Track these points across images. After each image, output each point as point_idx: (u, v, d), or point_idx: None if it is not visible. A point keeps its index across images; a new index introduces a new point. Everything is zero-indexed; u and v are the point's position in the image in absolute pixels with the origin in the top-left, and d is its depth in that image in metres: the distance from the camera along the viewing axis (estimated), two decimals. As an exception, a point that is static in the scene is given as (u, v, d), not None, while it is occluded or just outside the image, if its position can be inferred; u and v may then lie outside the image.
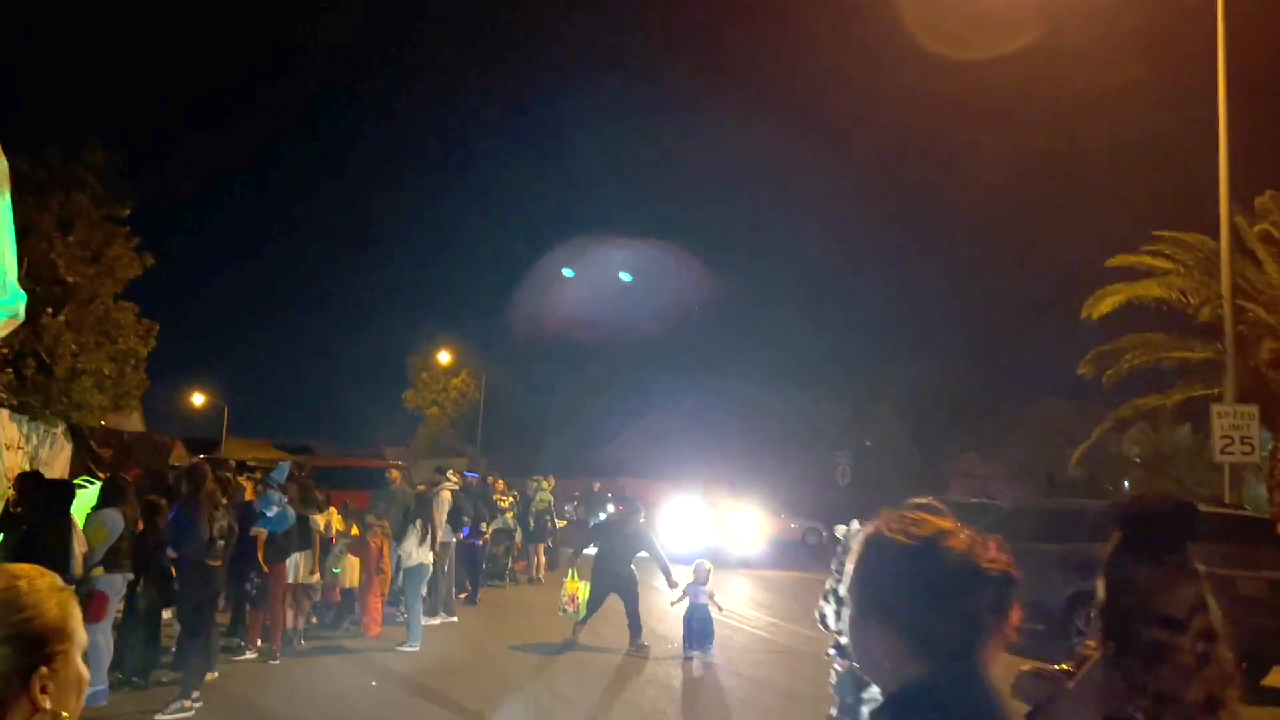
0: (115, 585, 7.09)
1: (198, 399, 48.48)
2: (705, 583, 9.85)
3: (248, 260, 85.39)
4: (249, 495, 9.91)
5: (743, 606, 14.72)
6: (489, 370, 46.94)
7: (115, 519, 7.07)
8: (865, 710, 4.16)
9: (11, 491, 10.01)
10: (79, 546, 6.74)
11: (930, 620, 1.49)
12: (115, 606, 7.23)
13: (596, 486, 24.26)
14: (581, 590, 10.27)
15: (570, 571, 10.55)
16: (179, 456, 23.98)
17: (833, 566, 4.82)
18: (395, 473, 11.78)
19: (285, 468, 11.15)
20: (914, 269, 68.33)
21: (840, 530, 6.50)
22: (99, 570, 6.92)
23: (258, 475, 13.89)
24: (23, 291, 4.01)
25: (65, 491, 6.99)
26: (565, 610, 10.36)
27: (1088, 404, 28.30)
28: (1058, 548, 10.66)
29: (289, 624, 9.34)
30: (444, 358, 47.13)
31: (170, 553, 7.17)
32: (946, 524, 1.57)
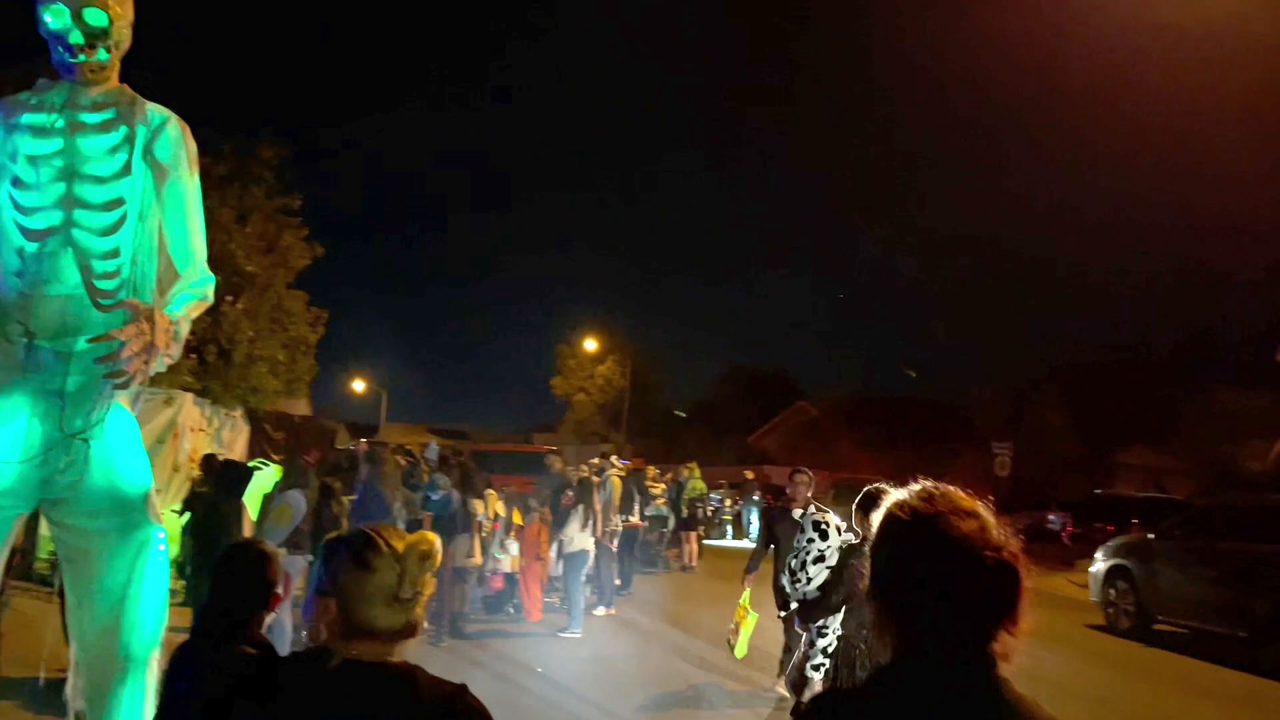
0: (298, 565, 7.27)
1: (358, 385, 50.48)
2: None
3: (405, 250, 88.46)
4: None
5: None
6: (635, 357, 47.12)
7: (299, 500, 7.25)
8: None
9: (197, 472, 10.54)
10: (248, 530, 6.93)
11: (919, 603, 1.44)
12: (296, 585, 7.44)
13: (749, 475, 23.07)
14: (748, 623, 7.74)
15: (744, 594, 7.91)
16: (342, 440, 25.02)
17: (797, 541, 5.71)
18: (555, 458, 11.82)
19: (435, 447, 11.43)
20: (1079, 249, 64.80)
21: (797, 513, 7.04)
22: (282, 551, 7.11)
23: (416, 459, 14.24)
24: (211, 275, 4.04)
25: (240, 473, 7.22)
26: (729, 641, 7.92)
27: (1272, 392, 26.20)
28: (1267, 548, 9.75)
29: (453, 607, 9.49)
30: (590, 345, 47.55)
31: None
32: (963, 504, 1.50)
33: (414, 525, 8.60)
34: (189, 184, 3.98)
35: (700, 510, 17.06)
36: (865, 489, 4.82)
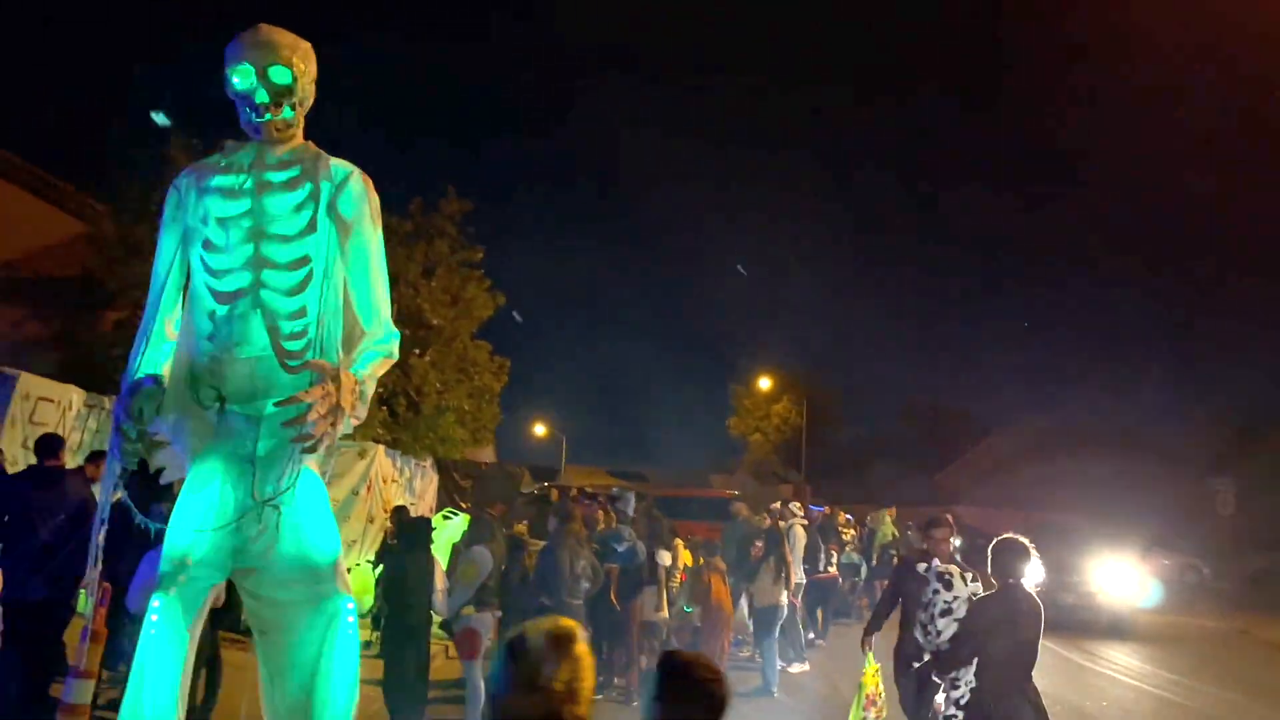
0: (486, 623, 7.14)
1: (539, 429, 51.56)
2: None
3: (576, 294, 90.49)
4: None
5: (1127, 656, 12.92)
6: (812, 396, 46.20)
7: (485, 557, 7.14)
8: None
9: (389, 524, 10.70)
10: (440, 582, 6.84)
11: None
12: (486, 644, 7.30)
13: (949, 519, 21.54)
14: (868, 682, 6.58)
15: (868, 660, 6.68)
16: (526, 484, 25.42)
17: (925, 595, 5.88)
18: (741, 505, 11.34)
19: (631, 499, 11.07)
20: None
21: (921, 566, 6.40)
22: (470, 609, 7.00)
23: (601, 501, 14.05)
24: (396, 330, 3.89)
25: (422, 531, 7.14)
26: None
27: None
28: None
29: (642, 665, 9.14)
30: (765, 384, 47.04)
31: (540, 595, 7.12)
32: None
33: (597, 583, 8.28)
34: (373, 239, 3.86)
35: (894, 557, 16.10)
36: (997, 539, 5.12)
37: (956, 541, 6.91)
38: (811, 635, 12.21)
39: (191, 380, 3.68)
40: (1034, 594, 4.97)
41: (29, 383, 9.16)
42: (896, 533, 16.18)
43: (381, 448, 12.95)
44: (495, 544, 7.40)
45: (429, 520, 7.72)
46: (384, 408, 13.62)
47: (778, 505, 13.40)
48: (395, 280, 14.90)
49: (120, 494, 3.87)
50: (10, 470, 7.17)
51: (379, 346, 3.84)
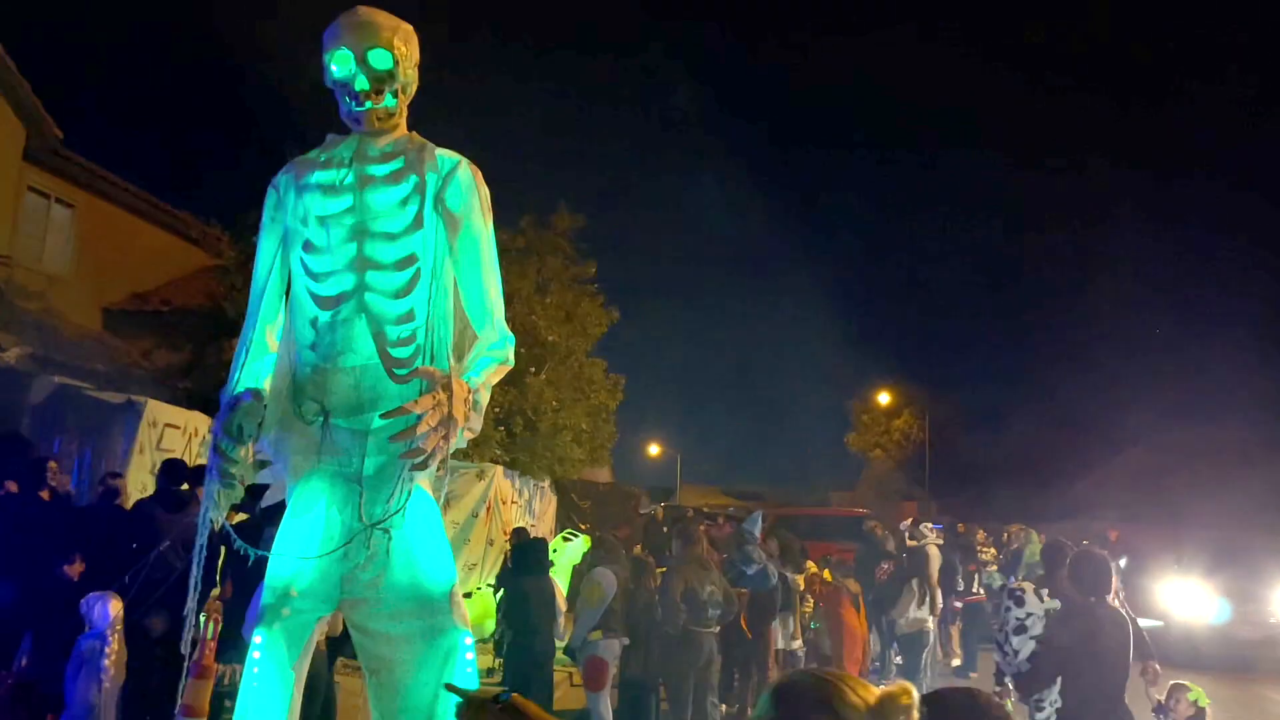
0: (614, 650, 6.74)
1: (654, 449, 51.37)
2: None
3: (689, 311, 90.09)
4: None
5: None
6: (933, 409, 44.85)
7: (609, 578, 6.74)
8: None
9: (509, 547, 10.43)
10: (562, 607, 6.47)
11: None
12: (613, 672, 6.89)
13: (1113, 536, 19.38)
14: None
15: None
16: (645, 505, 25.09)
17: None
18: (876, 524, 10.65)
19: (758, 518, 10.54)
20: None
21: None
22: (597, 634, 6.61)
23: (720, 521, 13.52)
24: (511, 334, 3.51)
25: (538, 553, 6.79)
26: None
27: None
28: None
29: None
30: (884, 399, 46.12)
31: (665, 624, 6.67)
32: None
33: (728, 609, 7.62)
34: (484, 234, 3.49)
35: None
36: (1076, 551, 5.11)
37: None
38: (958, 662, 11.39)
39: (294, 393, 3.39)
40: (1120, 609, 4.84)
41: (155, 410, 9.23)
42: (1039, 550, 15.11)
43: (500, 468, 12.77)
44: (619, 566, 6.99)
45: (545, 541, 7.40)
46: (501, 428, 13.45)
47: (909, 522, 12.66)
48: (510, 298, 14.73)
49: (219, 518, 3.59)
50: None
51: (493, 352, 3.47)
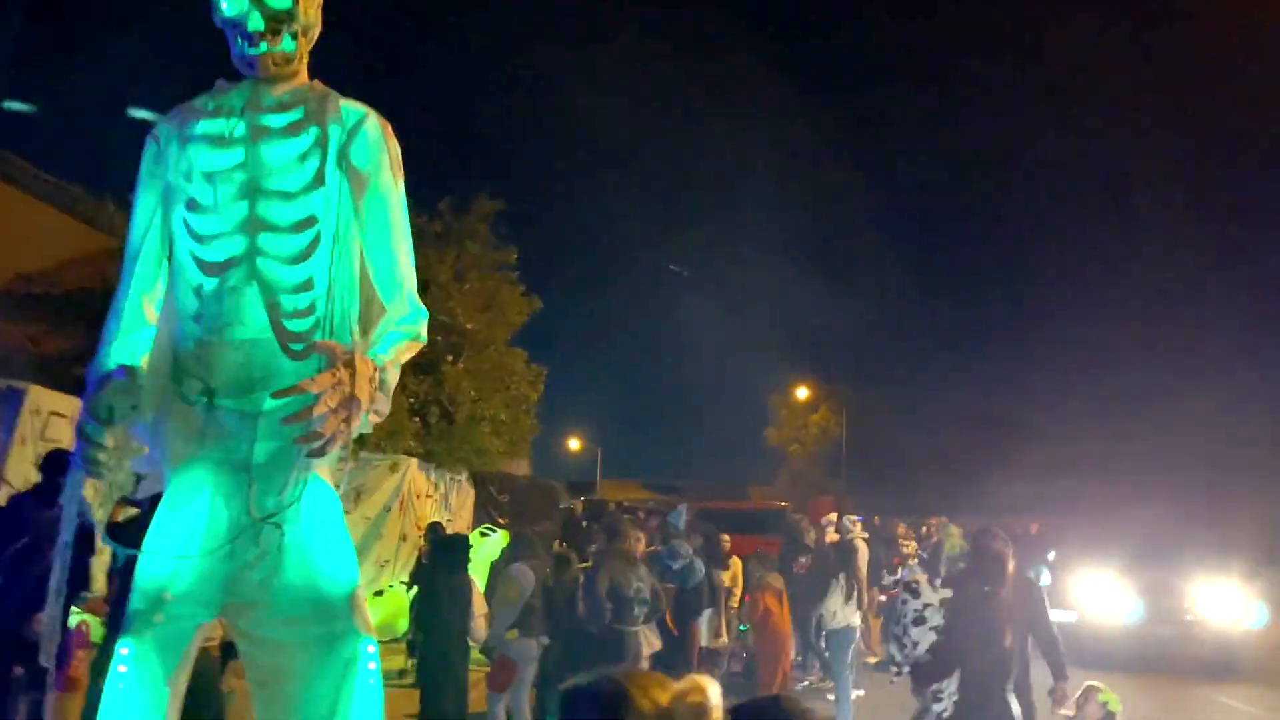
0: (530, 651, 6.42)
1: (574, 443, 50.98)
2: None
3: (612, 304, 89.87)
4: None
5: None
6: (851, 404, 45.44)
7: (526, 575, 6.42)
8: None
9: (424, 542, 10.01)
10: (479, 606, 6.13)
11: None
12: (529, 674, 6.57)
13: (1034, 529, 18.84)
14: None
15: None
16: (564, 500, 24.72)
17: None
18: (802, 518, 10.50)
19: (682, 511, 10.37)
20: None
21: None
22: (513, 633, 6.28)
23: (642, 516, 13.29)
24: (424, 308, 3.16)
25: (456, 550, 6.43)
26: None
27: None
28: None
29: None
30: (802, 394, 46.56)
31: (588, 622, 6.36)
32: None
33: (656, 605, 7.35)
34: (393, 195, 3.15)
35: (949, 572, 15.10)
36: (976, 543, 5.10)
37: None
38: (875, 660, 11.33)
39: (174, 371, 3.00)
40: (1012, 599, 4.91)
41: (39, 397, 8.55)
42: (965, 544, 15.22)
43: (414, 461, 12.35)
44: (539, 562, 6.67)
45: (465, 538, 7.03)
46: (416, 419, 12.97)
47: (834, 516, 12.59)
48: (426, 285, 14.31)
49: (99, 512, 3.18)
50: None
51: (403, 327, 3.12)
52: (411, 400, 12.83)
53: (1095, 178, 70.89)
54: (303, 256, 3.00)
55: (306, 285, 3.00)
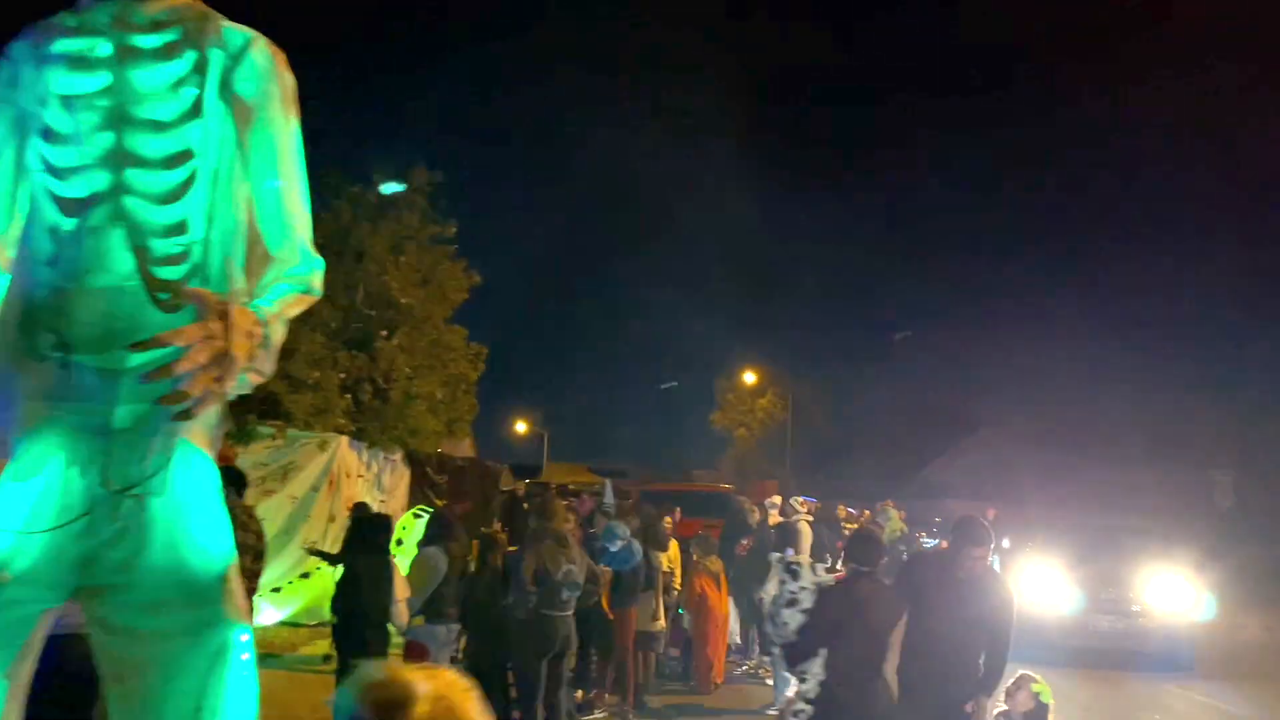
0: (438, 637, 6.11)
1: (520, 427, 50.76)
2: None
3: (556, 285, 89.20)
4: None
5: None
6: (795, 390, 45.87)
7: (437, 558, 6.10)
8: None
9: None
10: (401, 592, 5.81)
11: None
12: (444, 660, 6.26)
13: (991, 514, 18.11)
14: None
15: None
16: (507, 483, 24.34)
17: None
18: (744, 499, 10.29)
19: (608, 486, 10.27)
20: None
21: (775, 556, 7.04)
22: (419, 620, 5.98)
23: (583, 498, 13.00)
24: (319, 258, 2.82)
25: (374, 530, 6.10)
26: None
27: None
28: None
29: (637, 679, 8.10)
30: (749, 378, 47.04)
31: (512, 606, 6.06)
32: None
33: (591, 589, 7.04)
34: (285, 131, 2.81)
35: (903, 556, 14.95)
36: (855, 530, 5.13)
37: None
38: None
39: (25, 322, 2.63)
40: (888, 585, 5.12)
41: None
42: (904, 528, 15.16)
43: (345, 439, 11.91)
44: (455, 544, 6.35)
45: (385, 518, 6.70)
46: (347, 395, 12.52)
47: (778, 499, 12.44)
48: (360, 257, 13.96)
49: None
50: None
51: (293, 277, 2.79)
52: (343, 376, 12.39)
53: (1042, 162, 72.00)
54: (176, 195, 2.66)
55: (180, 228, 2.66)
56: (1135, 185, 62.88)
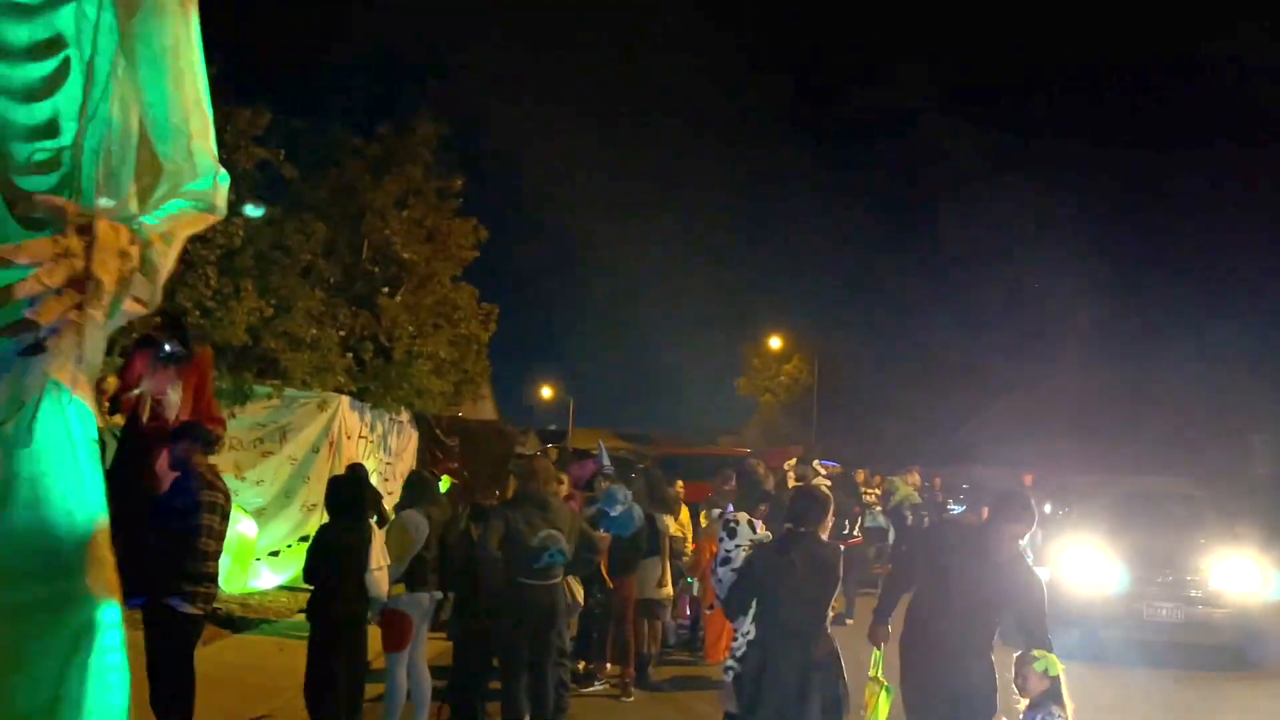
0: (421, 605, 5.74)
1: (546, 391, 50.65)
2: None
3: (580, 247, 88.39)
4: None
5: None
6: (823, 354, 45.32)
7: (417, 523, 5.70)
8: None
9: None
10: (378, 559, 5.44)
11: None
12: (424, 630, 5.90)
13: (1028, 480, 16.46)
14: (882, 703, 5.13)
15: (875, 657, 5.29)
16: (531, 446, 23.96)
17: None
18: (757, 461, 9.80)
19: (602, 448, 9.92)
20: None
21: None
22: (400, 588, 5.61)
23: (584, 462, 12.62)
24: (223, 172, 2.36)
25: (351, 494, 5.70)
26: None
27: None
28: None
29: (642, 648, 7.72)
30: (775, 343, 46.51)
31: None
32: None
33: (588, 557, 6.47)
34: (176, 22, 2.32)
35: (913, 520, 14.37)
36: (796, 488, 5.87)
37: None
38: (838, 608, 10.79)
39: None
40: (831, 544, 5.01)
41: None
42: (912, 492, 14.58)
43: (345, 399, 11.52)
44: (437, 508, 5.96)
45: (359, 479, 6.31)
46: (349, 354, 12.11)
47: (794, 462, 11.98)
48: (361, 212, 13.53)
49: None
50: None
51: (188, 193, 2.33)
52: (343, 334, 11.97)
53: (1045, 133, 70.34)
54: (44, 91, 2.19)
55: (49, 130, 2.19)
56: (1183, 150, 61.14)
